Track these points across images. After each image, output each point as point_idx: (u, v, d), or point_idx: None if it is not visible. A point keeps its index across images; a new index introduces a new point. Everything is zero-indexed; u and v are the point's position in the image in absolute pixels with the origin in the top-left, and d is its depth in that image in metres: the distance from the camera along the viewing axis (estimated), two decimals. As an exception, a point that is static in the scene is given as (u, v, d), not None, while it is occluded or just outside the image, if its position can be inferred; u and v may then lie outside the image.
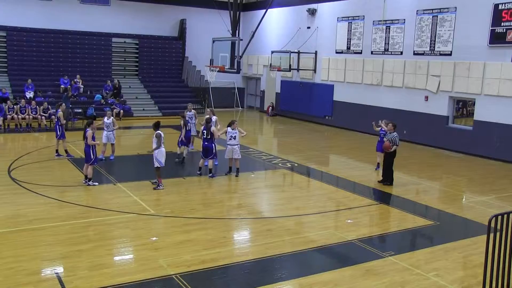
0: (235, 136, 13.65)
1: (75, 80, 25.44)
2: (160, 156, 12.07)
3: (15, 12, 25.73)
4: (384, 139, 13.66)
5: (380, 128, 14.65)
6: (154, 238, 8.94)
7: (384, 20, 21.74)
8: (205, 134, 13.52)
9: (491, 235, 6.29)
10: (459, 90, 18.63)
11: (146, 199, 11.29)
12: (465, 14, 18.30)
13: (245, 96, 33.19)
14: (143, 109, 26.26)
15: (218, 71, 20.73)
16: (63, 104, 16.21)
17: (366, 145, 19.14)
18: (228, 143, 13.79)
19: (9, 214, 9.92)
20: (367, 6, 22.64)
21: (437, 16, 19.36)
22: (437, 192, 13.59)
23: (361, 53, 23.07)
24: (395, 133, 13.31)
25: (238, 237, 9.57)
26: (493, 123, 17.50)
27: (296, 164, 15.85)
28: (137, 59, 29.16)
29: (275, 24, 28.76)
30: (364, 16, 22.86)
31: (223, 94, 31.31)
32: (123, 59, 28.90)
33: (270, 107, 29.44)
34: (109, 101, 25.01)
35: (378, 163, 14.88)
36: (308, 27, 26.15)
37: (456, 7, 18.60)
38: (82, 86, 25.54)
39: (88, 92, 25.71)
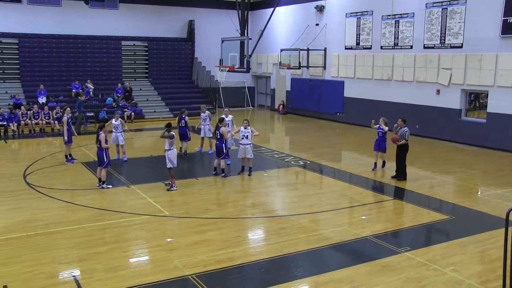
0: (247, 135, 13.68)
1: (86, 84, 25.65)
2: (173, 157, 12.15)
3: (26, 19, 25.99)
4: (391, 135, 13.53)
5: (378, 126, 14.39)
6: (169, 239, 8.99)
7: (393, 15, 21.58)
8: (217, 134, 13.59)
9: (510, 228, 6.21)
10: (471, 82, 18.45)
11: (160, 201, 11.36)
12: (476, 5, 18.09)
13: (256, 95, 33.19)
14: (154, 111, 26.41)
15: (228, 71, 20.80)
16: (68, 108, 16.33)
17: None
18: (240, 142, 13.83)
19: (26, 219, 10.04)
20: (376, 1, 22.49)
21: (446, 8, 19.16)
22: (451, 186, 13.47)
23: (370, 48, 22.94)
24: (405, 128, 13.23)
25: (253, 236, 9.58)
26: (507, 115, 17.30)
27: (308, 162, 15.82)
28: (146, 62, 29.31)
29: (283, 22, 28.69)
30: (372, 11, 22.72)
31: (234, 94, 31.33)
32: (133, 62, 29.07)
33: (281, 105, 29.40)
34: (120, 104, 25.18)
35: (375, 163, 14.62)
36: (317, 24, 26.06)
37: (466, -1, 18.44)
38: (93, 87, 25.66)
39: (100, 96, 25.93)
